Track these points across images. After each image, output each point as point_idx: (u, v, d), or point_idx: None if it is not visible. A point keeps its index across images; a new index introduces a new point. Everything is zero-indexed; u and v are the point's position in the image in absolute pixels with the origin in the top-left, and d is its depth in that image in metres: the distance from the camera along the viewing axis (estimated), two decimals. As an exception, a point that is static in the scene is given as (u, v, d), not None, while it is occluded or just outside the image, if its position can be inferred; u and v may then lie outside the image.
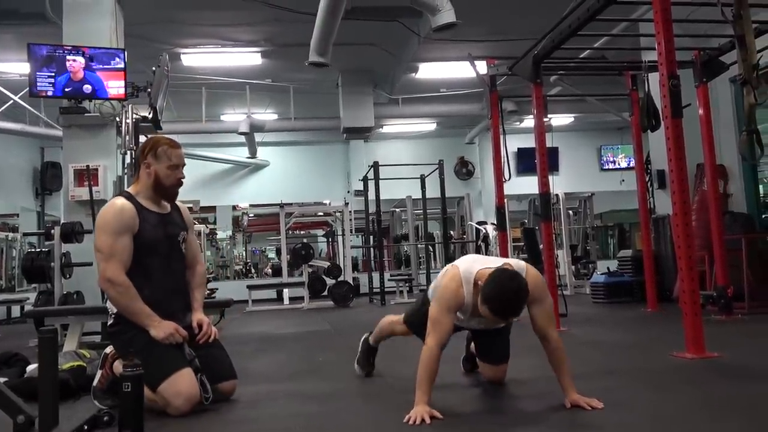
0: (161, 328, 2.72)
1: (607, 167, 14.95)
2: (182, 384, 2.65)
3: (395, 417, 2.44)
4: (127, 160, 6.46)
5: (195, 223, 3.74)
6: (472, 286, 2.59)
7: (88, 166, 6.07)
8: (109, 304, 2.85)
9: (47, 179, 12.96)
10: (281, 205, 11.04)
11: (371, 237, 11.55)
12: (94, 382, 2.90)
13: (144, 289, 2.77)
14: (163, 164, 2.88)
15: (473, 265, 2.65)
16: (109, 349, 2.95)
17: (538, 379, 3.07)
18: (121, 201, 2.85)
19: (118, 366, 2.80)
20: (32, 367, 3.45)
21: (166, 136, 3.05)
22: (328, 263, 11.40)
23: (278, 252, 13.37)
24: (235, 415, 2.74)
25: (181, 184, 2.95)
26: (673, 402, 2.62)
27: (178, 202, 3.04)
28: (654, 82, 5.14)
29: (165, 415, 2.64)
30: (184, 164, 2.97)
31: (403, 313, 3.27)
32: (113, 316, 2.82)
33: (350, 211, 11.55)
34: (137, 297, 2.74)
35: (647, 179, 7.60)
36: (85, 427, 2.36)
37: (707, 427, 2.22)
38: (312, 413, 2.71)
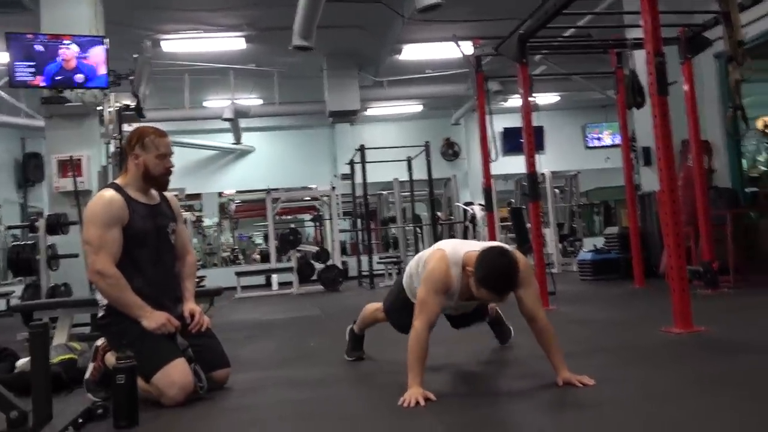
0: (153, 319, 2.71)
1: (591, 145, 15.01)
2: (176, 374, 2.64)
3: (387, 401, 2.45)
4: (111, 149, 6.40)
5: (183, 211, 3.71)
6: (460, 269, 2.60)
7: (71, 156, 6.00)
8: (99, 296, 2.84)
9: (29, 170, 12.79)
10: (268, 191, 10.98)
11: (359, 220, 11.55)
12: (87, 375, 2.89)
13: (134, 281, 2.76)
14: (151, 154, 2.86)
15: (459, 248, 2.67)
16: (100, 342, 2.93)
17: (528, 359, 3.10)
18: (109, 193, 2.83)
19: (110, 358, 2.79)
20: (22, 362, 3.41)
21: (152, 125, 3.03)
22: (317, 248, 11.39)
23: (266, 238, 13.33)
24: (230, 403, 2.74)
25: (170, 173, 2.94)
26: (663, 377, 2.66)
27: (166, 193, 3.02)
28: (639, 59, 5.16)
29: (160, 405, 2.63)
30: (172, 153, 2.95)
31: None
32: (104, 308, 2.80)
33: (337, 195, 11.53)
34: (128, 288, 2.72)
35: (633, 156, 7.63)
36: (80, 420, 2.35)
37: (697, 402, 2.25)
38: (304, 399, 2.73)
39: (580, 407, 2.28)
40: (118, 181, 2.94)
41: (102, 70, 6.04)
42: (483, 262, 2.46)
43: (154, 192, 2.95)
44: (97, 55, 6.03)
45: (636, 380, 2.64)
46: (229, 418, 2.52)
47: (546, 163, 11.29)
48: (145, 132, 2.90)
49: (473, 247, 2.65)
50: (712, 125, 6.92)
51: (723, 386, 2.47)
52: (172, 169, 2.94)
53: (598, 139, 15.07)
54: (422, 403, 2.36)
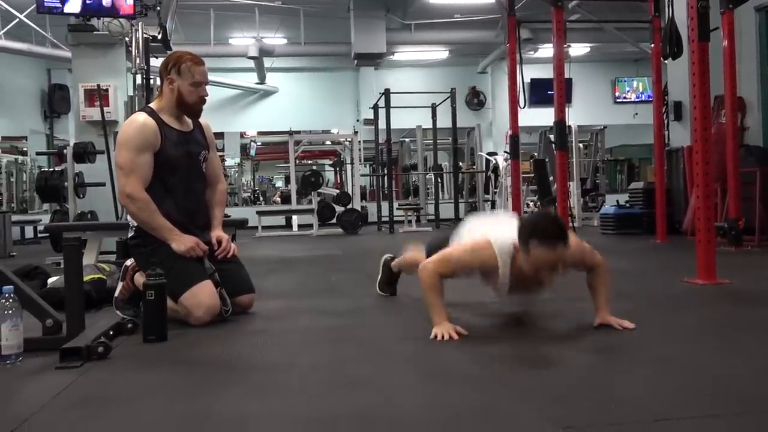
0: (182, 242, 2.75)
1: (620, 100, 14.71)
2: (203, 295, 2.70)
3: (413, 329, 2.49)
4: (138, 81, 6.39)
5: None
6: (509, 257, 2.36)
7: (98, 85, 6.01)
8: (129, 218, 2.87)
9: (55, 102, 12.88)
10: (290, 133, 10.95)
11: (381, 166, 11.52)
12: (116, 294, 2.96)
13: (163, 206, 2.78)
14: (186, 81, 2.82)
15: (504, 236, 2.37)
16: (129, 262, 2.98)
17: (559, 300, 3.03)
18: (143, 116, 2.82)
19: (139, 278, 2.84)
20: (53, 279, 3.51)
21: (190, 52, 2.97)
22: (338, 191, 11.41)
23: (287, 180, 13.39)
24: (254, 326, 2.80)
25: (204, 101, 2.91)
26: (688, 322, 2.67)
27: (201, 120, 3.00)
28: (678, 7, 4.99)
29: (186, 324, 2.70)
30: (207, 82, 2.91)
31: (418, 244, 3.10)
32: (134, 228, 2.84)
33: (359, 141, 11.48)
34: (157, 212, 2.74)
35: (664, 111, 7.48)
36: (111, 333, 2.42)
37: (720, 344, 2.26)
38: (329, 326, 2.77)
39: (611, 350, 2.26)
40: (152, 104, 2.92)
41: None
42: (526, 223, 2.31)
43: (187, 118, 2.93)
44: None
45: (660, 324, 2.65)
46: (254, 339, 2.57)
47: (573, 117, 11.09)
48: (182, 57, 2.85)
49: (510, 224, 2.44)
50: (748, 82, 6.72)
51: (744, 331, 2.47)
52: (206, 98, 2.91)
53: (627, 94, 14.75)
54: (455, 337, 2.31)
